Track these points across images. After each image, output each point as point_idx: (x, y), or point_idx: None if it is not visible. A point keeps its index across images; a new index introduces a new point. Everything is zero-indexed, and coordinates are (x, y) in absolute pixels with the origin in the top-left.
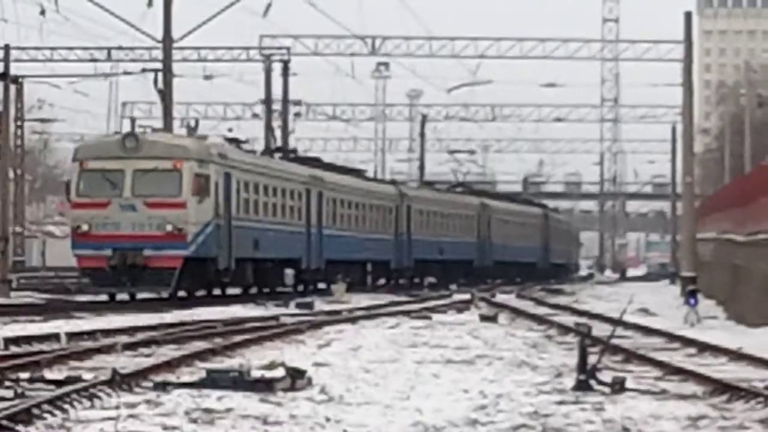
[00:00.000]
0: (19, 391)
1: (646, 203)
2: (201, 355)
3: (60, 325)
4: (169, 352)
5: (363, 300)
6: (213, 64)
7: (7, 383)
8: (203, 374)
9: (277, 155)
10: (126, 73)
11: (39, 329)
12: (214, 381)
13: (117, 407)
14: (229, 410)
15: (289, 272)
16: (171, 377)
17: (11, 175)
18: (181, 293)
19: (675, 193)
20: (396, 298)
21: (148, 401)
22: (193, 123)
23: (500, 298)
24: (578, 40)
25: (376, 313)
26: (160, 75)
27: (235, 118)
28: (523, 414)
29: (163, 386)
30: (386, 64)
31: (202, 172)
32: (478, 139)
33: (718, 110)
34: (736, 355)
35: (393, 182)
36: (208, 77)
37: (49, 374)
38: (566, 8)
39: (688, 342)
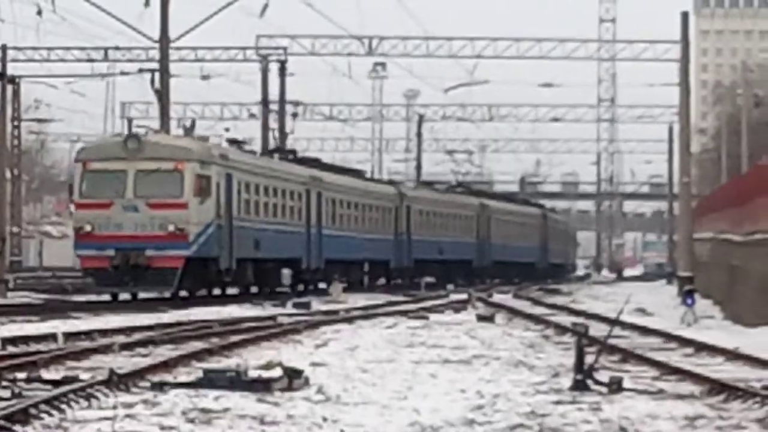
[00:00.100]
0: (17, 391)
1: (643, 203)
2: (198, 355)
3: (57, 325)
4: (166, 352)
5: (360, 300)
6: (210, 64)
7: (5, 383)
8: (200, 374)
9: (277, 156)
10: (123, 73)
11: (36, 329)
12: (211, 381)
13: (114, 407)
14: (226, 410)
15: (286, 272)
16: (168, 377)
17: (8, 175)
18: (183, 293)
19: (672, 193)
20: (393, 298)
21: (145, 401)
22: (189, 123)
23: (497, 298)
24: (575, 40)
25: (373, 313)
26: (157, 75)
27: (232, 118)
28: (520, 414)
29: (160, 386)
30: (383, 64)
31: (204, 173)
32: (475, 139)
33: (715, 110)
34: (733, 355)
35: (392, 182)
36: (205, 77)
37: (46, 374)
38: (563, 8)
39: (685, 342)
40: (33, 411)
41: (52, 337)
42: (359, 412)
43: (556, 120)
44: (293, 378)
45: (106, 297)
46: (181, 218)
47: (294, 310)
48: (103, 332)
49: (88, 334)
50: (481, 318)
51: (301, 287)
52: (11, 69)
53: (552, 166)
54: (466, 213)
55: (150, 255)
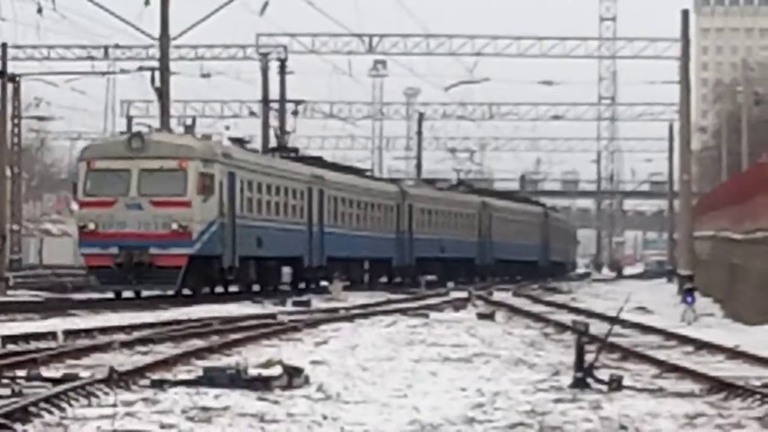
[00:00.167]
0: (17, 389)
1: (644, 201)
2: (198, 353)
3: (57, 323)
4: (166, 350)
5: (360, 298)
6: (210, 62)
7: (5, 381)
8: (200, 372)
9: (279, 154)
10: (123, 71)
11: (36, 327)
12: (211, 379)
13: (114, 405)
14: (226, 408)
15: (287, 270)
16: (168, 375)
17: (8, 173)
18: (186, 291)
19: (672, 191)
20: (393, 296)
21: (145, 399)
22: (190, 121)
23: (497, 296)
24: (575, 38)
25: (373, 311)
26: (157, 73)
27: (232, 116)
28: (520, 412)
29: (160, 384)
30: (383, 62)
31: (207, 171)
32: (475, 137)
33: (716, 108)
34: (733, 353)
35: (394, 181)
36: (205, 75)
37: (46, 372)
38: (564, 7)
39: (685, 340)
40: (33, 409)
41: (51, 335)
42: (359, 411)
43: (556, 118)
44: (293, 376)
45: (107, 295)
46: (184, 216)
47: (294, 308)
48: (103, 330)
49: (88, 332)
50: (481, 316)
51: (303, 285)
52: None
53: (552, 164)
54: (468, 211)
55: (153, 253)
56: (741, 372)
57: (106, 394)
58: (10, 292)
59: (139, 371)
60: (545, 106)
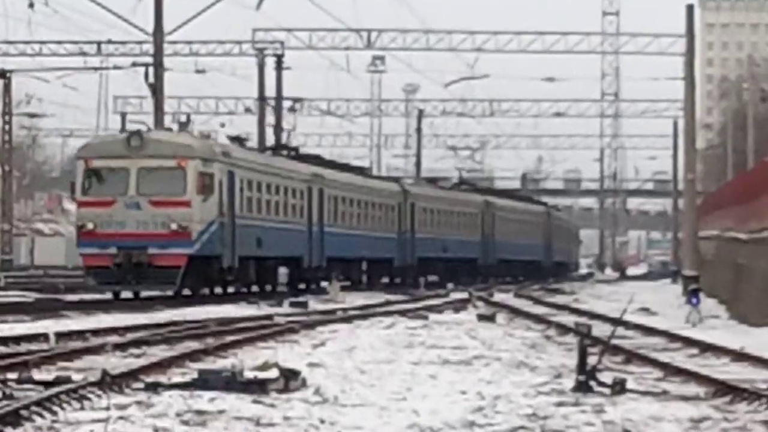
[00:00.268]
0: (7, 392)
1: (647, 200)
2: (193, 356)
3: (49, 325)
4: (160, 352)
5: (359, 299)
6: (205, 58)
7: None
8: (195, 375)
9: (277, 153)
10: (116, 67)
11: (27, 329)
12: (206, 382)
13: (107, 408)
14: (221, 412)
15: (283, 271)
16: (162, 378)
17: None
18: (186, 292)
19: (677, 189)
20: (392, 298)
21: (138, 402)
22: (184, 118)
23: (498, 297)
24: (578, 33)
25: (371, 312)
26: (151, 69)
27: (227, 113)
28: (521, 416)
29: (154, 387)
30: (382, 58)
31: (207, 170)
32: (475, 135)
33: (721, 105)
34: (739, 356)
35: (396, 180)
36: (200, 71)
37: (37, 375)
38: (565, 1)
39: (689, 342)
40: (24, 413)
41: (43, 336)
42: (357, 414)
43: (558, 115)
44: (290, 379)
45: (101, 296)
46: (183, 216)
47: (291, 310)
48: (96, 332)
49: (80, 334)
50: (481, 318)
51: (303, 285)
52: (2, 63)
53: (554, 163)
54: (471, 210)
55: (152, 253)
56: (747, 375)
57: (99, 397)
58: (0, 293)
59: (133, 374)
60: (547, 103)
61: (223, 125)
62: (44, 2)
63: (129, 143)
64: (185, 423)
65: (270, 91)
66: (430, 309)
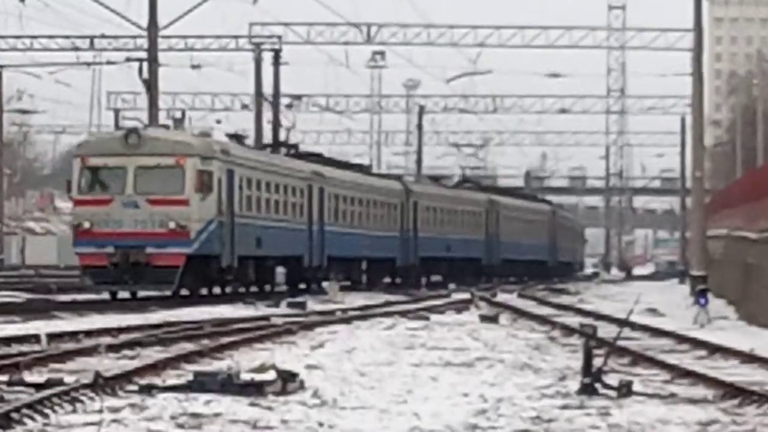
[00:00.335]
0: None
1: (654, 199)
2: (188, 357)
3: (40, 326)
4: (154, 353)
5: (358, 299)
6: (200, 53)
7: None
8: (190, 377)
9: (275, 150)
10: (109, 62)
11: (18, 330)
12: (201, 384)
13: (100, 411)
14: (217, 415)
15: (280, 270)
16: (156, 380)
17: None
18: (184, 291)
19: (684, 188)
20: (393, 298)
21: (132, 405)
22: (179, 114)
23: (501, 297)
24: (583, 27)
25: (371, 313)
26: (145, 64)
27: (223, 110)
28: (525, 419)
29: (148, 390)
30: (382, 53)
31: (205, 168)
32: (478, 132)
33: (730, 101)
34: (748, 357)
35: (399, 178)
36: (195, 67)
37: (28, 377)
38: None
39: (697, 343)
40: (15, 416)
41: (35, 338)
42: (357, 417)
43: (563, 112)
44: (287, 381)
45: (92, 296)
46: (182, 215)
47: (288, 310)
48: (89, 333)
49: (72, 335)
50: (484, 318)
51: (303, 285)
52: None
53: (559, 160)
54: (475, 209)
55: (150, 252)
56: (756, 377)
57: (92, 399)
58: None
59: (127, 376)
60: (551, 99)
61: (219, 122)
62: None
63: (126, 141)
64: (180, 426)
65: (267, 87)
66: (432, 310)
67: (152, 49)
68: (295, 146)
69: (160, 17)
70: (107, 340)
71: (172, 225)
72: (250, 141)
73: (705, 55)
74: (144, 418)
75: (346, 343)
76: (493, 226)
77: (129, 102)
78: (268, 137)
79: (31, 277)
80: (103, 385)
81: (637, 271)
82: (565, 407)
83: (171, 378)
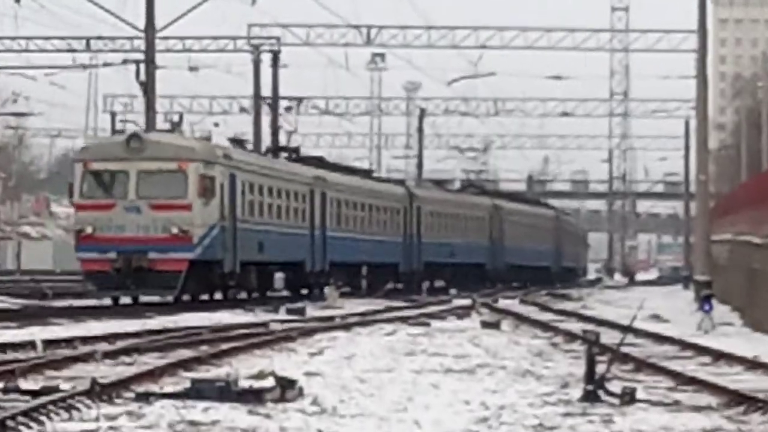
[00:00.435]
0: None
1: (658, 203)
2: (186, 364)
3: (36, 332)
4: (151, 360)
5: (358, 306)
6: (198, 54)
7: None
8: (188, 384)
9: (277, 155)
10: (106, 64)
11: (13, 336)
12: (199, 391)
13: (96, 419)
14: (215, 422)
15: (279, 276)
16: (154, 387)
17: None
18: (186, 297)
19: (688, 192)
20: (393, 304)
21: (129, 413)
22: (176, 117)
23: (503, 303)
24: (586, 29)
25: (371, 319)
26: (142, 66)
27: (221, 113)
28: (527, 426)
29: (145, 397)
30: (382, 55)
31: (208, 173)
32: (479, 135)
33: (734, 104)
34: (753, 364)
35: (402, 182)
36: (193, 69)
37: (24, 384)
38: None
39: (702, 350)
40: (10, 423)
41: (30, 344)
42: (356, 425)
43: (565, 115)
44: (286, 388)
45: (88, 302)
46: (184, 220)
47: (287, 317)
48: (85, 340)
49: (68, 342)
50: (485, 325)
51: (305, 291)
52: None
53: (561, 164)
54: (479, 214)
55: (153, 258)
56: (761, 384)
57: (88, 407)
58: None
59: (123, 383)
60: (553, 102)
61: (216, 125)
62: None
63: (129, 145)
64: None
65: (266, 89)
66: (433, 316)
67: (149, 51)
68: (296, 150)
69: (157, 18)
70: (104, 346)
71: (174, 230)
72: (248, 145)
73: (709, 57)
74: (141, 426)
75: (346, 350)
76: (498, 232)
77: (126, 105)
78: (267, 141)
79: (27, 282)
80: (99, 392)
81: (641, 276)
82: (567, 415)
83: (168, 385)
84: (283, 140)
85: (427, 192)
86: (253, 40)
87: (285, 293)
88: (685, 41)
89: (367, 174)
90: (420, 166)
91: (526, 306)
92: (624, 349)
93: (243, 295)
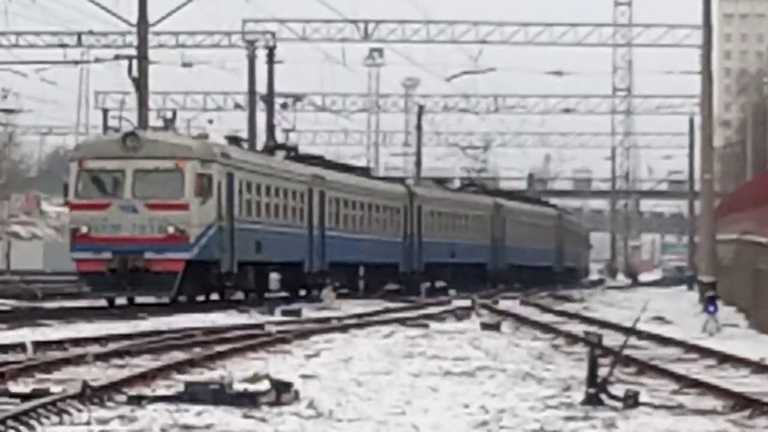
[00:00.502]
0: None
1: (662, 202)
2: (179, 367)
3: (26, 334)
4: (144, 363)
5: (355, 307)
6: (192, 50)
7: None
8: (181, 387)
9: (274, 153)
10: (98, 60)
11: (3, 338)
12: (192, 395)
13: (88, 423)
14: (209, 426)
15: (274, 276)
16: (146, 390)
17: None
18: (182, 298)
19: (693, 190)
20: (391, 305)
21: (121, 416)
22: (170, 114)
23: (503, 304)
24: (588, 24)
25: (368, 321)
26: (134, 62)
27: (215, 109)
28: (528, 430)
29: (137, 400)
30: (380, 51)
31: (205, 172)
32: (479, 132)
33: (740, 100)
34: (759, 367)
35: (402, 181)
36: (186, 65)
37: (14, 387)
38: None
39: (706, 352)
40: (0, 427)
41: (20, 346)
42: (353, 429)
43: (567, 111)
44: (282, 391)
45: (79, 303)
46: (181, 219)
47: (283, 318)
48: (76, 342)
49: (59, 344)
50: (485, 326)
51: (304, 292)
52: None
53: (563, 162)
54: (480, 213)
55: (149, 258)
56: (767, 387)
57: (79, 411)
58: None
59: (115, 386)
60: (555, 99)
61: (211, 122)
62: None
63: (125, 144)
64: None
65: (261, 85)
66: (431, 317)
67: (142, 47)
68: (294, 148)
69: (150, 13)
70: (95, 348)
71: (171, 230)
72: (243, 143)
73: (714, 52)
74: (133, 430)
75: (343, 352)
76: (499, 231)
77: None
78: (262, 138)
79: (17, 283)
80: (91, 395)
81: (644, 277)
82: (569, 419)
83: (161, 388)
84: (278, 137)
85: (427, 191)
86: (247, 36)
87: (282, 294)
88: (690, 36)
89: (366, 173)
90: (419, 164)
91: (527, 307)
92: (627, 352)
93: (240, 296)
